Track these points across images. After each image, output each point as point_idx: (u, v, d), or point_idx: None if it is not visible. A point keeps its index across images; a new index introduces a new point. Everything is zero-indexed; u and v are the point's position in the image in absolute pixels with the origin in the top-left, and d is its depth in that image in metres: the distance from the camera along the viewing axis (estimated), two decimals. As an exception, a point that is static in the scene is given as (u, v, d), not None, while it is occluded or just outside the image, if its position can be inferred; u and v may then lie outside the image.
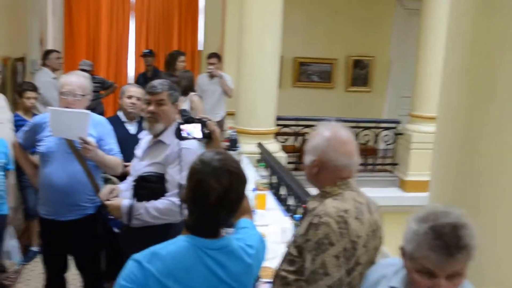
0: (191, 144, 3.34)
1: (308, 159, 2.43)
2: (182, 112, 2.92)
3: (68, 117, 3.74)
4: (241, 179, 2.11)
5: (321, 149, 2.38)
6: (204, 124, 2.73)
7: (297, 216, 3.82)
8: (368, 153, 9.20)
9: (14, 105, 5.90)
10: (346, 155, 2.38)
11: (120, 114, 4.83)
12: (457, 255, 1.81)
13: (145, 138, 3.68)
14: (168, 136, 3.45)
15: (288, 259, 2.44)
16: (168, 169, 3.40)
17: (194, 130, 2.75)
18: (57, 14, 10.80)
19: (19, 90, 5.76)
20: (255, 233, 2.36)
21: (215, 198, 2.02)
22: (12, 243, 4.92)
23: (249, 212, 2.55)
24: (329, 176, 2.39)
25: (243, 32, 6.85)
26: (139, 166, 3.56)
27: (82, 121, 3.72)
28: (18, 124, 5.41)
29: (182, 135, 2.75)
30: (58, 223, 3.92)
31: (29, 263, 5.67)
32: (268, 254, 3.49)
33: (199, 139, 2.78)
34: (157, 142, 3.52)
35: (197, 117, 2.72)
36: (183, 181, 3.30)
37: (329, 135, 2.39)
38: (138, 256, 2.05)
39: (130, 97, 4.76)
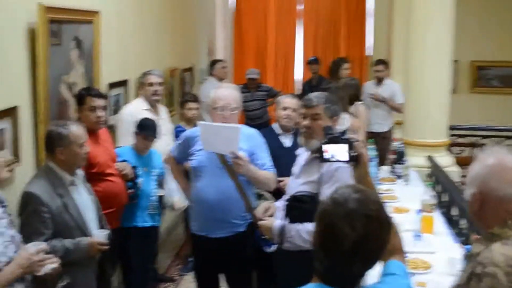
0: None
1: (468, 193, 2.01)
2: (327, 130, 2.58)
3: (219, 132, 3.63)
4: (382, 225, 1.71)
5: (481, 179, 1.96)
6: (351, 145, 2.34)
7: (468, 246, 3.32)
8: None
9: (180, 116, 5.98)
10: None
11: (275, 126, 4.64)
12: None
13: (303, 154, 3.44)
14: None
15: None
16: (323, 189, 3.12)
17: (338, 151, 2.36)
18: (226, 24, 11.03)
19: (181, 101, 5.85)
20: (404, 283, 1.93)
21: (348, 247, 1.65)
22: (172, 186, 4.74)
23: (400, 252, 2.13)
24: (495, 212, 1.96)
25: (410, 35, 6.31)
26: (295, 185, 3.35)
27: (232, 136, 3.60)
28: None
29: (325, 156, 2.38)
30: (209, 240, 3.84)
31: (187, 274, 5.68)
32: (433, 287, 3.10)
33: (343, 162, 2.39)
34: (313, 159, 3.25)
35: (344, 137, 2.35)
36: None
37: (492, 162, 1.97)
38: None
39: (285, 108, 4.54)
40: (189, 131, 4.02)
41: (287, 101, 4.61)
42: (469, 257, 2.04)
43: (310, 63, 9.19)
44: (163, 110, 5.42)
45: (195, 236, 3.95)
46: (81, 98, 3.96)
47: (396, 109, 7.39)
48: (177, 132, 5.44)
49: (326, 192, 3.06)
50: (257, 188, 3.94)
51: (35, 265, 2.62)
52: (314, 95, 3.32)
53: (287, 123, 4.53)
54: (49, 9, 3.57)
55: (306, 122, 3.27)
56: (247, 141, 3.80)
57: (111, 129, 4.87)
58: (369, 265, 1.73)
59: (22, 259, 2.59)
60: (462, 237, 4.18)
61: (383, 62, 7.72)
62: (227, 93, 3.80)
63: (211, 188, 3.75)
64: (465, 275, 1.94)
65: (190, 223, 4.03)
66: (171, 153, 4.11)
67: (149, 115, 4.97)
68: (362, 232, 1.65)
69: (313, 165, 3.23)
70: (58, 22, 3.78)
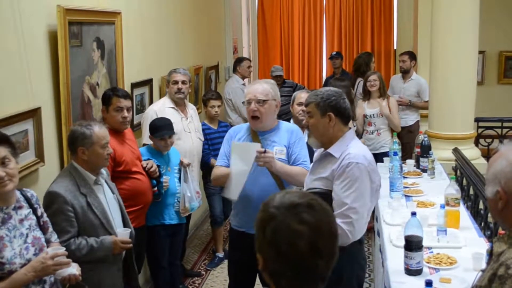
0: (360, 159, 3.06)
1: (490, 190, 1.90)
2: None
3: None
4: (329, 213, 1.60)
5: (504, 176, 1.84)
6: None
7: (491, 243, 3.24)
8: None
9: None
10: None
11: (292, 122, 4.61)
12: None
13: (317, 150, 3.41)
14: (337, 149, 3.16)
15: None
16: (334, 186, 3.10)
17: None
18: (251, 22, 11.03)
19: (204, 99, 5.84)
20: None
21: (304, 244, 1.52)
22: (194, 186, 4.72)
23: None
24: None
25: (434, 24, 6.17)
26: (309, 181, 3.33)
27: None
28: (204, 133, 5.48)
29: None
30: (248, 235, 3.79)
31: (214, 269, 5.74)
32: (458, 283, 3.05)
33: None
34: (325, 154, 3.24)
35: None
36: (348, 200, 3.02)
37: None
38: None
39: (300, 104, 4.52)
40: (232, 130, 4.02)
41: (302, 96, 4.59)
42: (491, 255, 1.95)
43: (332, 58, 9.12)
44: (191, 108, 5.38)
45: (235, 232, 3.93)
46: (107, 98, 3.99)
47: (422, 108, 7.30)
48: (202, 130, 5.46)
49: (337, 189, 3.07)
50: (291, 185, 3.91)
51: (49, 269, 2.61)
52: (312, 93, 3.28)
53: (302, 118, 4.48)
54: (68, 11, 3.60)
55: (305, 121, 3.28)
56: (287, 136, 3.80)
57: (136, 128, 4.92)
58: (331, 261, 1.59)
59: (36, 262, 2.60)
60: (489, 231, 4.11)
61: (408, 53, 7.62)
62: (256, 86, 3.80)
63: (253, 186, 3.72)
64: (487, 276, 1.86)
65: (231, 218, 4.00)
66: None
67: (174, 113, 4.98)
68: (313, 223, 1.54)
69: (325, 161, 3.22)
70: (78, 24, 3.82)
